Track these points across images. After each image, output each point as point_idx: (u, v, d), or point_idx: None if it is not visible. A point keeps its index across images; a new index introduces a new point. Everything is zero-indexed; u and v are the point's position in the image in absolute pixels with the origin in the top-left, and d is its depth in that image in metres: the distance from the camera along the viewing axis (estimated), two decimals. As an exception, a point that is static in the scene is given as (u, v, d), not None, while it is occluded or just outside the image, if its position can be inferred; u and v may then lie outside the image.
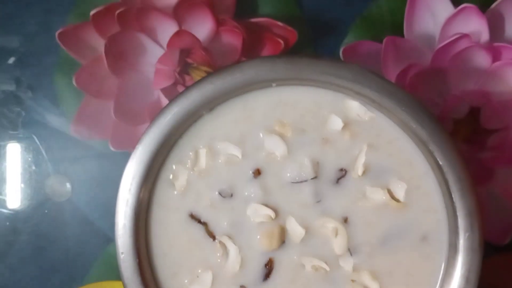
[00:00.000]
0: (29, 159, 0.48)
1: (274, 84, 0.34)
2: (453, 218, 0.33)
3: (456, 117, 0.40)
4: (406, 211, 0.34)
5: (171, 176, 0.35)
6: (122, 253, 0.35)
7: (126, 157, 0.36)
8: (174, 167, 0.35)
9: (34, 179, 0.48)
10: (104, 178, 0.50)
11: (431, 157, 0.33)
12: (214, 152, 0.35)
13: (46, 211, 0.48)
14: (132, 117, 0.43)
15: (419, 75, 0.40)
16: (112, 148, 0.44)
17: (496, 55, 0.40)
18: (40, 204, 0.48)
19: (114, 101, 0.43)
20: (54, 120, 0.47)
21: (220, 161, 0.35)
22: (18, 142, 0.48)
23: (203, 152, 0.35)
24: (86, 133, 0.45)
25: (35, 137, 0.48)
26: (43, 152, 0.48)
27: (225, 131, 0.35)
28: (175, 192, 0.35)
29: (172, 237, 0.35)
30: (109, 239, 0.47)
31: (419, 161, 0.34)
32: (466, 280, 0.32)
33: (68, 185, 0.48)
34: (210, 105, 0.34)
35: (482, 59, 0.40)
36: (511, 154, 0.40)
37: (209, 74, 0.34)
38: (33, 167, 0.48)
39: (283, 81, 0.34)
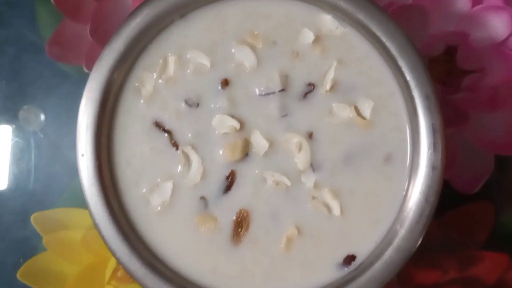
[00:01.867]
0: (3, 82, 0.47)
1: (247, -7, 0.34)
2: (417, 137, 0.32)
3: (433, 55, 0.40)
4: (372, 130, 0.33)
5: (137, 83, 0.35)
6: (82, 155, 0.34)
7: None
8: (142, 73, 0.35)
9: (8, 107, 0.47)
10: (78, 109, 0.49)
11: (400, 75, 0.33)
12: (183, 61, 0.35)
13: (17, 139, 0.47)
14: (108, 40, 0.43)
15: (400, 11, 0.40)
16: (86, 70, 0.44)
17: (476, -1, 0.40)
18: (12, 134, 0.47)
19: (91, 22, 0.43)
20: (30, 42, 0.47)
21: (188, 70, 0.35)
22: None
23: (172, 60, 0.34)
24: (62, 54, 0.44)
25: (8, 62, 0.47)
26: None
27: (196, 39, 0.34)
28: (141, 100, 0.35)
29: (135, 145, 0.35)
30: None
31: (388, 79, 0.33)
32: (426, 198, 0.32)
33: (42, 116, 0.47)
34: (182, 10, 0.34)
35: (463, 2, 0.40)
36: (485, 97, 0.40)
37: (183, -22, 0.34)
38: (8, 95, 0.47)
39: (257, -10, 0.34)
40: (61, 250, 0.45)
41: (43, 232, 0.45)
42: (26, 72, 0.46)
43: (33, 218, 0.45)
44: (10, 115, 0.47)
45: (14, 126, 0.46)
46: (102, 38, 0.43)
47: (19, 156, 0.46)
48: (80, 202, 0.45)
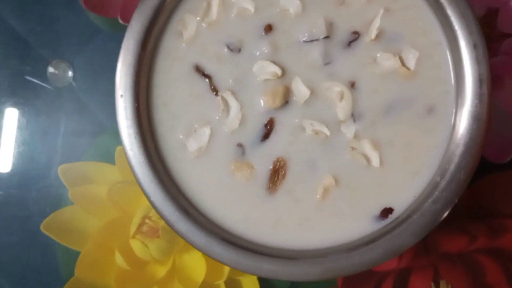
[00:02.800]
0: (32, 40, 0.47)
1: None
2: (462, 88, 0.32)
3: (473, 17, 0.39)
4: (415, 81, 0.33)
5: (179, 26, 0.34)
6: (121, 95, 0.34)
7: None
8: (184, 16, 0.34)
9: (38, 60, 0.47)
10: (109, 66, 0.49)
11: (447, 25, 0.32)
12: (227, 4, 0.34)
13: (45, 93, 0.47)
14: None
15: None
16: (121, 21, 0.44)
17: (519, -37, 0.40)
18: (41, 89, 0.47)
19: (129, -28, 0.42)
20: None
21: (232, 14, 0.34)
22: (23, 21, 0.47)
23: (215, 3, 0.34)
24: (97, 4, 0.44)
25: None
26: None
27: (241, -18, 0.34)
28: (183, 44, 0.34)
29: (174, 88, 0.35)
30: (105, 128, 0.46)
31: (435, 29, 0.33)
32: (469, 150, 0.31)
33: (70, 72, 0.47)
34: (229, -48, 0.33)
35: (504, -34, 0.40)
36: (523, 62, 0.40)
37: None
38: (39, 47, 0.47)
39: None
40: (86, 204, 0.45)
41: (69, 185, 0.45)
42: (58, 24, 0.46)
43: (60, 170, 0.45)
44: (40, 68, 0.46)
45: (42, 79, 0.46)
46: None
47: (48, 109, 0.46)
48: (105, 157, 0.45)
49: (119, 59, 0.34)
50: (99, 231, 0.44)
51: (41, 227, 0.45)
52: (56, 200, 0.45)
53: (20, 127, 0.46)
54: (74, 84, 0.47)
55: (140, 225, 0.44)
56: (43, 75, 0.47)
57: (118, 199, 0.44)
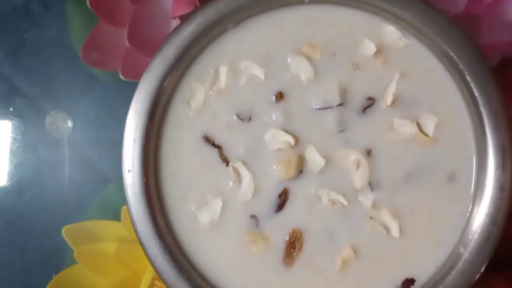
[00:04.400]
0: (30, 91, 0.45)
1: (306, 1, 0.32)
2: (484, 156, 0.31)
3: (487, 67, 0.38)
4: (435, 147, 0.32)
5: (187, 94, 0.33)
6: (129, 170, 0.32)
7: (134, 91, 0.33)
8: (192, 84, 0.33)
9: (34, 113, 0.46)
10: (108, 116, 0.47)
11: (466, 90, 0.31)
12: (236, 71, 0.33)
13: (43, 146, 0.46)
14: (146, 45, 0.41)
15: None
16: (122, 77, 0.42)
17: (532, 7, 0.39)
18: (39, 141, 0.46)
19: (129, 27, 0.41)
20: (62, 45, 0.45)
21: (241, 81, 0.33)
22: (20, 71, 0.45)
23: (224, 70, 0.33)
24: (97, 59, 0.42)
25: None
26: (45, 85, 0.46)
27: (250, 49, 0.33)
28: (191, 112, 0.33)
29: (183, 159, 0.33)
30: (108, 180, 0.45)
31: (453, 94, 0.32)
32: (493, 221, 0.30)
33: (69, 122, 0.46)
34: (236, 18, 0.32)
35: (517, 11, 0.38)
36: (541, 111, 0.38)
37: (238, -16, 0.32)
38: (37, 100, 0.46)
39: (316, -2, 0.32)
40: (93, 264, 0.44)
41: (75, 245, 0.43)
42: (56, 76, 0.45)
43: (64, 231, 0.43)
44: (38, 121, 0.45)
45: (41, 131, 0.45)
46: (140, 43, 0.41)
47: (47, 165, 0.45)
48: (111, 212, 0.44)
49: (125, 131, 0.32)
50: (107, 292, 0.43)
51: (48, 289, 0.43)
52: (60, 261, 0.44)
53: (21, 187, 0.44)
54: (73, 135, 0.45)
55: (150, 286, 0.42)
56: (41, 126, 0.45)
57: (126, 258, 0.43)
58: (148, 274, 0.43)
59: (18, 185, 0.45)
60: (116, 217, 0.44)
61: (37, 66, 0.45)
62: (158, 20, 0.42)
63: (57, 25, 0.44)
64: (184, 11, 0.40)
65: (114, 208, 0.44)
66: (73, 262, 0.43)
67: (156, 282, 0.42)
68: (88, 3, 0.41)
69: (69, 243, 0.43)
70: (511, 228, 0.39)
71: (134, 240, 0.41)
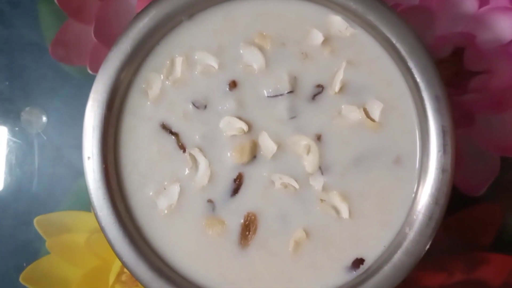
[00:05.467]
0: (6, 83, 0.47)
1: (257, -7, 0.33)
2: (427, 139, 0.32)
3: (440, 56, 0.40)
4: (381, 132, 0.33)
5: (144, 85, 0.34)
6: (88, 157, 0.34)
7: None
8: (148, 74, 0.34)
9: (10, 109, 0.47)
10: (80, 110, 0.48)
11: (409, 77, 0.32)
12: (191, 62, 0.34)
13: (19, 142, 0.47)
14: (112, 40, 0.42)
15: (406, 13, 0.40)
16: (90, 71, 0.44)
17: (483, 0, 0.40)
18: (14, 136, 0.47)
19: (95, 22, 0.42)
20: (33, 43, 0.46)
21: (196, 71, 0.34)
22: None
23: (179, 61, 0.34)
24: (65, 55, 0.44)
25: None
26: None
27: (204, 40, 0.34)
28: (148, 102, 0.34)
29: (142, 147, 0.34)
30: (81, 173, 0.46)
31: (398, 81, 0.33)
32: (435, 201, 0.32)
33: (43, 118, 0.47)
34: (190, 11, 0.34)
35: (469, 3, 0.40)
36: (492, 99, 0.40)
37: (191, -22, 0.33)
38: (10, 96, 0.47)
39: (266, -9, 0.33)
40: (65, 254, 0.45)
41: (46, 236, 0.45)
42: (28, 73, 0.46)
43: (36, 222, 0.45)
44: (12, 117, 0.46)
45: (16, 128, 0.46)
46: (106, 39, 0.42)
47: (22, 158, 0.46)
48: (84, 204, 0.45)
49: (85, 121, 0.34)
50: (78, 281, 0.44)
51: (20, 279, 0.44)
52: (33, 251, 0.45)
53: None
54: (48, 130, 0.46)
55: (119, 274, 0.43)
56: (16, 124, 0.46)
57: (96, 247, 0.44)
58: (118, 262, 0.44)
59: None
60: (88, 208, 0.45)
61: (9, 64, 0.46)
62: (124, 15, 0.43)
63: (28, 24, 0.45)
64: (148, 6, 0.41)
65: (86, 200, 0.45)
66: (48, 253, 0.45)
67: (125, 270, 0.44)
68: (56, 0, 0.42)
69: (41, 233, 0.45)
70: (466, 216, 0.40)
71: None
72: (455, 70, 0.40)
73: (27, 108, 0.46)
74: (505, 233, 0.42)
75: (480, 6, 0.40)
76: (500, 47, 0.39)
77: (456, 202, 0.43)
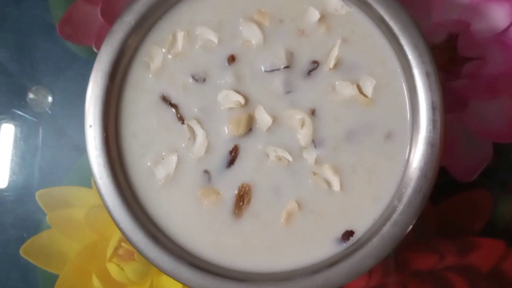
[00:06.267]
0: (11, 67, 0.48)
1: (256, -29, 0.35)
2: (417, 115, 0.33)
3: (435, 42, 0.41)
4: (373, 108, 0.34)
5: (146, 58, 0.36)
6: (90, 125, 0.35)
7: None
8: (151, 48, 0.35)
9: (17, 87, 0.48)
10: (86, 90, 0.50)
11: (402, 54, 0.33)
12: (192, 36, 0.35)
13: (25, 119, 0.48)
14: (119, 19, 0.44)
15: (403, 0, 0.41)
16: (96, 50, 0.45)
17: (479, -11, 0.41)
18: (21, 113, 0.48)
19: (101, 2, 0.44)
20: (43, 22, 0.48)
21: (196, 46, 0.35)
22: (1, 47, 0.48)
23: (181, 35, 0.35)
24: (72, 33, 0.45)
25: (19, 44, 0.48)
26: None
27: (204, 16, 0.35)
28: (150, 75, 0.36)
29: (142, 118, 0.36)
30: (83, 150, 0.47)
31: (390, 58, 0.34)
32: (424, 174, 0.33)
33: (49, 97, 0.48)
34: (192, -13, 0.35)
35: (465, -8, 0.41)
36: (484, 85, 0.41)
37: (194, -44, 0.35)
38: (18, 75, 0.48)
39: (265, -31, 0.35)
40: (64, 228, 0.46)
41: (48, 210, 0.46)
42: (36, 52, 0.47)
43: (38, 195, 0.46)
44: (19, 95, 0.47)
45: (23, 104, 0.47)
46: (112, 19, 0.43)
47: (27, 134, 0.47)
48: (85, 181, 0.46)
49: (88, 90, 0.35)
50: (77, 255, 0.45)
51: (21, 252, 0.45)
52: (34, 224, 0.46)
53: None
54: (53, 109, 0.47)
55: (116, 249, 0.44)
56: (23, 102, 0.47)
57: (95, 222, 0.45)
58: (116, 237, 0.45)
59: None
60: (89, 185, 0.46)
61: (18, 42, 0.47)
62: (130, -3, 0.44)
63: (38, 3, 0.46)
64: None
65: (88, 177, 0.46)
66: (48, 226, 0.46)
67: (123, 244, 0.45)
68: (64, -20, 0.43)
69: (42, 207, 0.46)
70: (458, 201, 0.41)
71: (103, 206, 0.44)
72: (449, 56, 0.41)
73: (34, 87, 0.48)
74: (496, 219, 0.43)
75: (476, -5, 0.41)
76: (493, 35, 0.40)
77: (448, 187, 0.44)
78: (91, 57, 0.46)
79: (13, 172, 0.47)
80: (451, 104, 0.41)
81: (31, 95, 0.48)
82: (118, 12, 0.43)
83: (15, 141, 0.46)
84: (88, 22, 0.45)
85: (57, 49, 0.47)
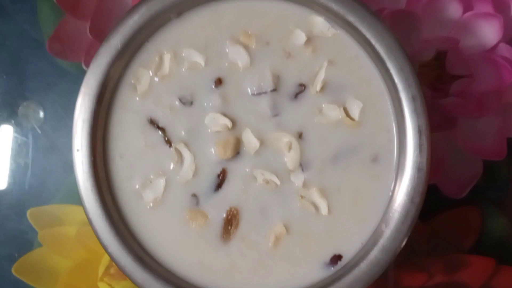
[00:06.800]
0: (4, 77, 0.48)
1: (242, -6, 0.35)
2: (403, 138, 0.33)
3: (423, 59, 0.41)
4: (360, 130, 0.34)
5: (133, 80, 0.35)
6: (77, 150, 0.35)
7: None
8: (137, 70, 0.35)
9: (7, 103, 0.48)
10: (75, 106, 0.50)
11: (388, 77, 0.33)
12: (179, 58, 0.35)
13: (16, 135, 0.48)
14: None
15: (392, 17, 0.41)
16: (85, 67, 0.45)
17: (468, 5, 0.41)
18: (11, 129, 0.48)
19: (91, 20, 0.44)
20: (31, 38, 0.48)
21: (183, 68, 0.35)
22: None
23: (167, 57, 0.35)
24: (61, 51, 0.45)
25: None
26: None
27: (191, 38, 0.35)
28: (137, 97, 0.36)
29: (129, 140, 0.36)
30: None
31: (377, 80, 0.34)
32: (411, 199, 0.33)
33: (41, 113, 0.48)
34: (178, 9, 0.35)
35: (454, 8, 0.41)
36: (473, 103, 0.41)
37: (180, -22, 0.35)
38: (8, 91, 0.48)
39: (251, -9, 0.34)
40: (56, 246, 0.46)
41: (39, 228, 0.46)
42: (26, 68, 0.47)
43: (29, 214, 0.46)
44: (9, 111, 0.47)
45: (13, 121, 0.47)
46: (101, 36, 0.44)
47: (17, 151, 0.47)
48: (76, 198, 0.46)
49: (75, 114, 0.35)
50: (68, 273, 0.45)
51: (13, 270, 0.45)
52: (25, 242, 0.46)
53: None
54: (44, 125, 0.47)
55: (108, 267, 0.44)
56: (13, 117, 0.47)
57: (86, 240, 0.45)
58: (107, 256, 0.45)
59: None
60: (80, 202, 0.46)
61: (8, 58, 0.47)
62: (119, 13, 0.45)
63: (27, 19, 0.46)
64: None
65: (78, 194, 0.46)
66: (39, 244, 0.46)
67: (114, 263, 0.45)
68: (53, -4, 0.43)
69: (33, 225, 0.46)
70: (448, 218, 0.41)
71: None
72: (438, 74, 0.41)
73: (25, 103, 0.48)
74: (486, 236, 0.43)
75: (465, 11, 0.41)
76: (482, 52, 0.40)
77: (439, 203, 0.44)
78: (81, 73, 0.46)
79: (5, 188, 0.47)
80: (440, 122, 0.41)
81: (21, 110, 0.48)
82: (107, 29, 0.43)
83: (5, 157, 0.46)
84: (77, 38, 0.45)
85: (47, 64, 0.47)
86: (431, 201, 0.41)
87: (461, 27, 0.41)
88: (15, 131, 0.47)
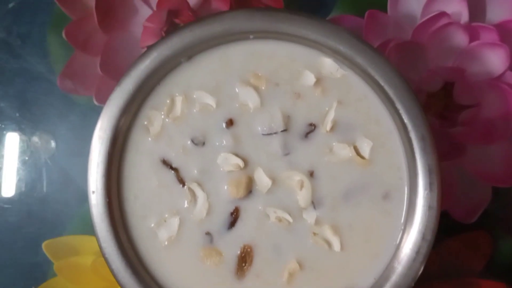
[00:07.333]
0: (16, 115, 0.49)
1: (251, 36, 0.35)
2: (414, 177, 0.34)
3: (430, 90, 0.41)
4: (370, 168, 0.35)
5: (146, 122, 0.36)
6: (93, 192, 0.35)
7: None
8: (150, 112, 0.36)
9: (20, 136, 0.49)
10: (87, 137, 0.50)
11: (397, 116, 0.34)
12: (190, 100, 0.36)
13: (29, 168, 0.49)
14: (118, 73, 0.44)
15: (398, 48, 0.41)
16: (96, 102, 0.45)
17: (474, 35, 0.41)
18: (23, 164, 0.49)
19: (101, 56, 0.44)
20: (42, 75, 0.48)
21: (195, 109, 0.36)
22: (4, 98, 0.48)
23: (179, 100, 0.36)
24: (73, 87, 0.46)
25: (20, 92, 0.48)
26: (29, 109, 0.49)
27: (202, 80, 0.36)
28: (150, 138, 0.36)
29: (143, 181, 0.36)
30: (87, 197, 0.48)
31: (386, 119, 0.35)
32: (423, 237, 0.33)
33: (52, 142, 0.49)
34: (188, 52, 0.35)
35: (460, 38, 0.41)
36: (482, 131, 0.41)
37: (189, 23, 0.35)
38: (20, 124, 0.49)
39: (260, 34, 0.35)
40: (72, 276, 0.47)
41: (54, 259, 0.46)
42: (37, 103, 0.48)
43: (44, 245, 0.47)
44: (22, 145, 0.48)
45: (26, 157, 0.48)
46: (111, 71, 0.44)
47: (31, 182, 0.48)
48: (90, 228, 0.47)
49: (90, 157, 0.36)
50: (85, 303, 0.46)
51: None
52: (41, 273, 0.47)
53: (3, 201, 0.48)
54: (56, 154, 0.48)
55: (123, 297, 0.45)
56: (26, 150, 0.48)
57: (102, 270, 0.46)
58: (122, 286, 0.45)
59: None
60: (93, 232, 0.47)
61: (19, 94, 0.48)
62: (128, 49, 0.45)
63: (37, 56, 0.47)
64: (151, 41, 0.44)
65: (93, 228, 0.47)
66: (55, 275, 0.46)
67: (129, 293, 0.45)
68: (63, 34, 0.44)
69: (49, 256, 0.46)
70: (458, 242, 0.42)
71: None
72: (446, 103, 0.42)
73: (37, 133, 0.48)
74: (496, 260, 0.43)
75: (471, 41, 0.41)
76: (489, 80, 0.41)
77: (449, 228, 0.44)
78: (91, 105, 0.47)
79: (20, 220, 0.48)
80: (449, 150, 0.41)
81: (34, 142, 0.48)
82: (117, 65, 0.44)
83: (20, 191, 0.47)
84: (88, 74, 0.45)
85: (58, 99, 0.48)
86: (442, 226, 0.42)
87: (467, 57, 0.41)
88: (29, 164, 0.48)
